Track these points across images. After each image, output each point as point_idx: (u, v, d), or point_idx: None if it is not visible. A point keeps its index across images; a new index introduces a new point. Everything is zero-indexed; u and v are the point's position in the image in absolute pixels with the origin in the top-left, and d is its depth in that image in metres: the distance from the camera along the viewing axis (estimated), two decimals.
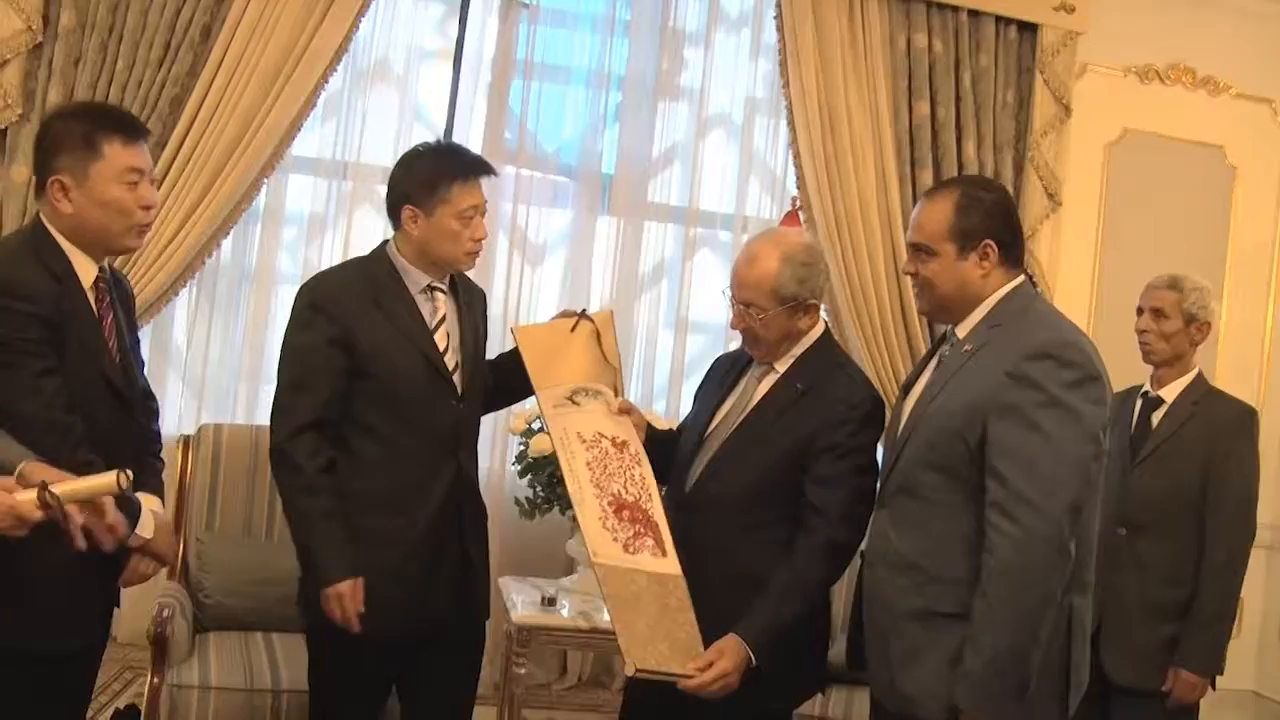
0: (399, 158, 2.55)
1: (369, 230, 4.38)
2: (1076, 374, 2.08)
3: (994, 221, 2.22)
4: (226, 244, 4.26)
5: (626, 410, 2.54)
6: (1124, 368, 3.15)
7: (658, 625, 2.23)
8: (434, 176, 2.44)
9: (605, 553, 2.29)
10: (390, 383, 2.43)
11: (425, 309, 2.50)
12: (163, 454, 2.45)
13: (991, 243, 2.21)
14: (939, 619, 2.13)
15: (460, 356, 2.53)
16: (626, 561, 2.29)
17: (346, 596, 2.35)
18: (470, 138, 4.42)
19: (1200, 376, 3.13)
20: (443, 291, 2.54)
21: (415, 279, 2.50)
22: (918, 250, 2.26)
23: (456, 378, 2.50)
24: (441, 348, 2.50)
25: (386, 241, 2.57)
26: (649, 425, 2.62)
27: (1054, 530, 2.02)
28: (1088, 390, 2.08)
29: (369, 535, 2.41)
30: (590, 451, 2.43)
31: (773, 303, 2.37)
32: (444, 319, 2.53)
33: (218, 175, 4.01)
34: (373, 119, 4.45)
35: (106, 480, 1.79)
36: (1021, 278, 2.27)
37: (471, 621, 2.59)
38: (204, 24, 4.01)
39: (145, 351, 4.12)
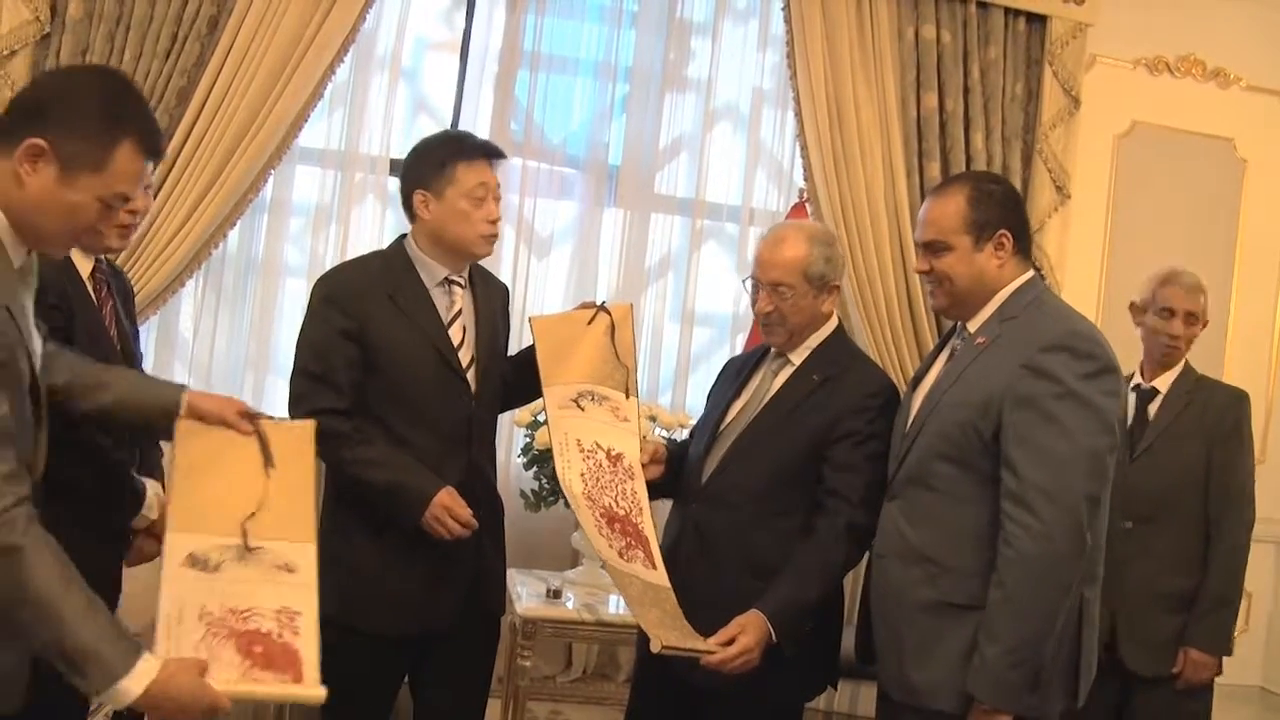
0: (410, 149, 2.55)
1: (375, 222, 4.39)
2: (1092, 366, 2.08)
3: (1007, 212, 2.23)
4: (233, 235, 4.25)
5: (656, 459, 2.51)
6: (1133, 360, 3.15)
7: (664, 618, 2.24)
8: (441, 159, 2.45)
9: (606, 554, 2.31)
10: (400, 377, 2.41)
11: (441, 303, 2.48)
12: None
13: (1006, 232, 2.22)
14: (952, 610, 2.12)
15: (476, 352, 2.50)
16: (623, 566, 2.30)
17: (453, 504, 2.34)
18: (476, 129, 4.38)
19: (1189, 365, 3.13)
20: (460, 285, 2.52)
21: (432, 271, 2.49)
22: (930, 247, 2.26)
23: (471, 373, 2.48)
24: (456, 342, 2.47)
25: (404, 235, 2.55)
26: (670, 442, 2.62)
27: (1071, 521, 2.02)
28: (1103, 382, 2.08)
29: (380, 529, 2.40)
30: (586, 462, 2.42)
31: (803, 282, 2.40)
32: (460, 313, 2.50)
33: (224, 166, 4.01)
34: (379, 110, 4.43)
35: (313, 694, 1.71)
36: (1031, 272, 2.28)
37: (485, 617, 2.57)
38: (211, 15, 4.01)
39: (152, 342, 4.19)
